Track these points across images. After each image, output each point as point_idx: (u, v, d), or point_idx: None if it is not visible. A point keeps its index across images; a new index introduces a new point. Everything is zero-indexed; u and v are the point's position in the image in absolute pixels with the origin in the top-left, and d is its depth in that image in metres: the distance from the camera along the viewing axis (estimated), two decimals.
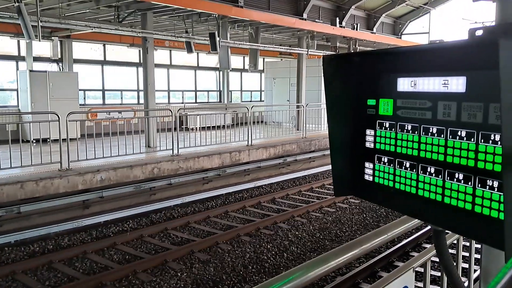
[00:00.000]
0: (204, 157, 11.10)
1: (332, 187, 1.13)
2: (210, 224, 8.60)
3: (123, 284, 5.92)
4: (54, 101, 12.67)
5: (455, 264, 2.54)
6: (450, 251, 1.04)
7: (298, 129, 16.63)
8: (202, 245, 7.21)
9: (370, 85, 1.01)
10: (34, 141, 10.11)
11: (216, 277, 6.17)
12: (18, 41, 13.87)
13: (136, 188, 9.70)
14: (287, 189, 11.18)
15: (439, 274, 4.94)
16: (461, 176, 0.81)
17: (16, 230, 7.56)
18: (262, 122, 18.55)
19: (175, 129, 10.95)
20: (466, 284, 2.76)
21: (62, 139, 8.82)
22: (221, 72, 20.50)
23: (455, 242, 2.60)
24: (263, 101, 21.55)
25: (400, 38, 22.05)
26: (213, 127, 13.22)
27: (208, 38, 12.65)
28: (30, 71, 12.91)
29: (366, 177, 1.05)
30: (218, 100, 20.98)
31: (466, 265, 3.01)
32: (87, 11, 12.42)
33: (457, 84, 0.80)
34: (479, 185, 0.78)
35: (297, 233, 8.03)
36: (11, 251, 6.95)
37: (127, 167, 9.45)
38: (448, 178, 0.84)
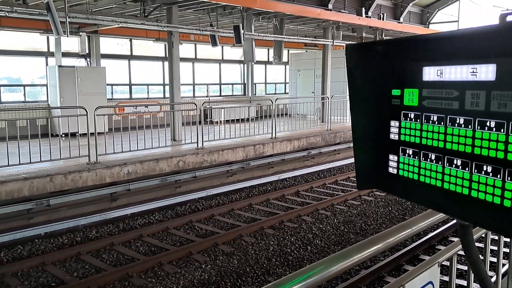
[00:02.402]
0: (228, 150, 11.14)
1: None
2: (234, 216, 8.64)
3: (149, 275, 6.01)
4: (82, 96, 12.94)
5: (482, 258, 2.47)
6: (478, 244, 1.00)
7: (323, 121, 16.49)
8: (226, 238, 7.26)
9: (395, 75, 0.98)
10: (63, 135, 10.36)
11: (240, 269, 6.20)
12: (48, 37, 14.19)
13: (162, 181, 9.82)
14: (312, 182, 11.13)
15: (465, 268, 4.83)
16: (489, 169, 0.77)
17: (46, 222, 7.77)
18: (286, 114, 18.48)
19: (199, 122, 11.02)
20: (494, 279, 2.69)
21: (90, 133, 8.99)
22: (245, 65, 20.50)
23: (483, 235, 2.53)
24: (288, 93, 21.46)
25: (428, 27, 21.54)
26: (237, 120, 13.24)
27: (233, 31, 12.65)
28: (59, 66, 13.20)
29: (390, 169, 1.02)
30: (243, 93, 21.00)
31: (495, 259, 2.93)
32: (113, 6, 12.60)
33: (486, 72, 0.76)
34: (509, 178, 0.74)
35: (321, 226, 7.99)
36: (41, 243, 7.15)
37: (153, 160, 9.57)
38: (476, 170, 0.80)
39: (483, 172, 0.79)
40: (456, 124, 0.84)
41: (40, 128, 9.27)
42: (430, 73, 0.90)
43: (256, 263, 6.41)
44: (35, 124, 10.16)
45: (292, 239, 7.32)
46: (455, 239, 6.38)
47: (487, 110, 0.77)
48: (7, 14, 9.20)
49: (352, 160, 13.03)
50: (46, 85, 13.92)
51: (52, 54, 14.32)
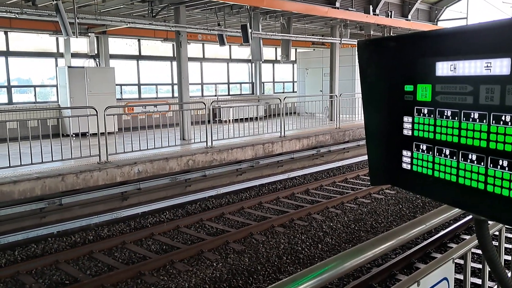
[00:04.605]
0: (238, 149, 11.16)
1: (368, 177, 1.11)
2: (244, 215, 8.66)
3: (161, 273, 6.05)
4: (92, 96, 13.04)
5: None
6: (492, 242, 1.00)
7: (331, 120, 16.45)
8: (236, 236, 7.29)
9: (407, 70, 0.98)
10: (74, 135, 10.44)
11: (251, 268, 6.22)
12: (57, 38, 14.31)
13: (172, 180, 9.87)
14: (321, 180, 11.11)
15: (479, 266, 4.80)
16: (505, 163, 0.77)
17: (58, 221, 7.86)
18: (295, 113, 18.46)
19: (208, 121, 11.05)
20: (509, 275, 2.67)
21: (101, 133, 9.06)
22: (253, 64, 20.50)
23: (497, 233, 2.51)
24: (296, 92, 21.43)
25: (436, 24, 21.37)
26: (246, 119, 13.25)
27: (240, 30, 12.66)
28: (69, 67, 13.31)
29: (404, 165, 1.02)
30: (251, 92, 21.01)
31: (509, 257, 2.92)
32: (121, 6, 12.67)
33: (501, 66, 0.76)
34: None
35: (331, 224, 7.98)
36: (54, 242, 7.23)
37: (163, 159, 9.62)
38: (491, 165, 0.80)
39: (498, 166, 0.79)
40: (471, 119, 0.84)
41: (51, 128, 9.34)
42: (443, 68, 0.90)
43: (267, 261, 6.43)
44: (46, 124, 10.25)
45: (303, 237, 7.32)
46: (468, 237, 6.34)
47: (502, 105, 0.77)
48: (17, 16, 9.30)
49: (361, 158, 13.02)
50: (56, 86, 14.05)
51: (61, 55, 14.45)
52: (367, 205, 9.07)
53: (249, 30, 12.61)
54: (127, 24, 11.40)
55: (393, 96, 1.03)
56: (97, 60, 15.32)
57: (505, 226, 2.39)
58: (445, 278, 2.10)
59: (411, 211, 8.73)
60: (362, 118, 1.09)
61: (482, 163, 0.82)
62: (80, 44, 14.82)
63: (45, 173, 8.13)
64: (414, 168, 0.99)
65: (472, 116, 0.83)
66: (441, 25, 21.53)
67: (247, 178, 11.17)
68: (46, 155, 8.51)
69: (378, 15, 16.58)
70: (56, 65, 14.40)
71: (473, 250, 2.37)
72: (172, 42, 15.56)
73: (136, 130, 10.00)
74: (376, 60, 1.03)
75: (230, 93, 20.10)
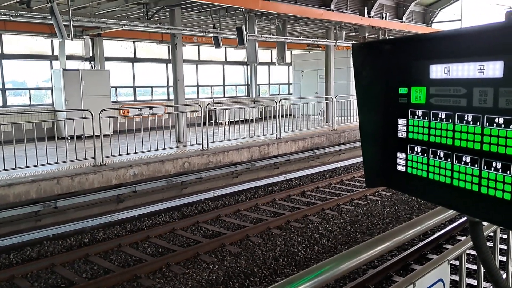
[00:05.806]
0: (233, 151, 11.16)
1: (363, 179, 1.11)
2: (240, 217, 8.66)
3: (157, 276, 6.04)
4: (87, 99, 13.00)
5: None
6: (487, 243, 1.01)
7: (327, 122, 16.48)
8: (233, 238, 7.28)
9: (401, 73, 0.99)
10: (69, 137, 10.40)
11: (248, 270, 6.22)
12: (52, 41, 14.26)
13: (168, 182, 9.85)
14: (317, 182, 11.12)
15: (474, 267, 4.82)
16: (498, 165, 0.78)
17: (54, 224, 7.82)
18: (290, 115, 18.48)
19: (204, 123, 11.04)
20: (503, 276, 2.68)
21: (96, 136, 9.03)
22: (249, 66, 20.52)
23: (492, 234, 2.53)
24: (291, 94, 21.46)
25: (431, 26, 21.49)
26: (242, 121, 13.25)
27: (236, 33, 12.67)
28: (64, 69, 13.27)
29: (399, 167, 1.03)
30: (246, 94, 21.02)
31: (504, 258, 2.94)
32: (116, 9, 12.65)
33: (493, 69, 0.77)
34: None
35: (327, 226, 7.99)
36: (49, 245, 7.20)
37: (158, 162, 9.60)
38: (485, 167, 0.81)
39: (492, 168, 0.79)
40: (465, 121, 0.84)
41: (46, 131, 9.31)
42: (437, 71, 0.90)
43: (263, 263, 6.42)
44: (41, 127, 10.21)
45: (299, 239, 7.33)
46: (463, 238, 6.36)
47: (495, 107, 0.78)
48: (11, 18, 9.28)
49: (357, 160, 13.04)
50: (51, 88, 13.99)
51: (56, 58, 14.39)
52: (363, 207, 9.08)
53: (245, 32, 12.63)
54: (122, 27, 11.39)
55: (387, 99, 1.03)
56: (92, 62, 15.27)
57: (499, 227, 2.41)
58: (441, 279, 2.11)
59: (407, 213, 8.76)
60: (357, 120, 1.10)
61: (476, 165, 0.83)
62: (75, 46, 14.76)
63: (40, 176, 8.09)
64: (409, 170, 1.00)
65: (466, 119, 0.84)
66: (435, 27, 21.65)
67: (243, 180, 11.17)
68: (41, 158, 8.48)
69: (372, 17, 16.65)
70: (51, 68, 14.33)
71: (468, 251, 2.38)
72: (168, 44, 15.54)
73: (131, 133, 9.97)
74: (370, 63, 1.04)
75: (226, 95, 20.10)
